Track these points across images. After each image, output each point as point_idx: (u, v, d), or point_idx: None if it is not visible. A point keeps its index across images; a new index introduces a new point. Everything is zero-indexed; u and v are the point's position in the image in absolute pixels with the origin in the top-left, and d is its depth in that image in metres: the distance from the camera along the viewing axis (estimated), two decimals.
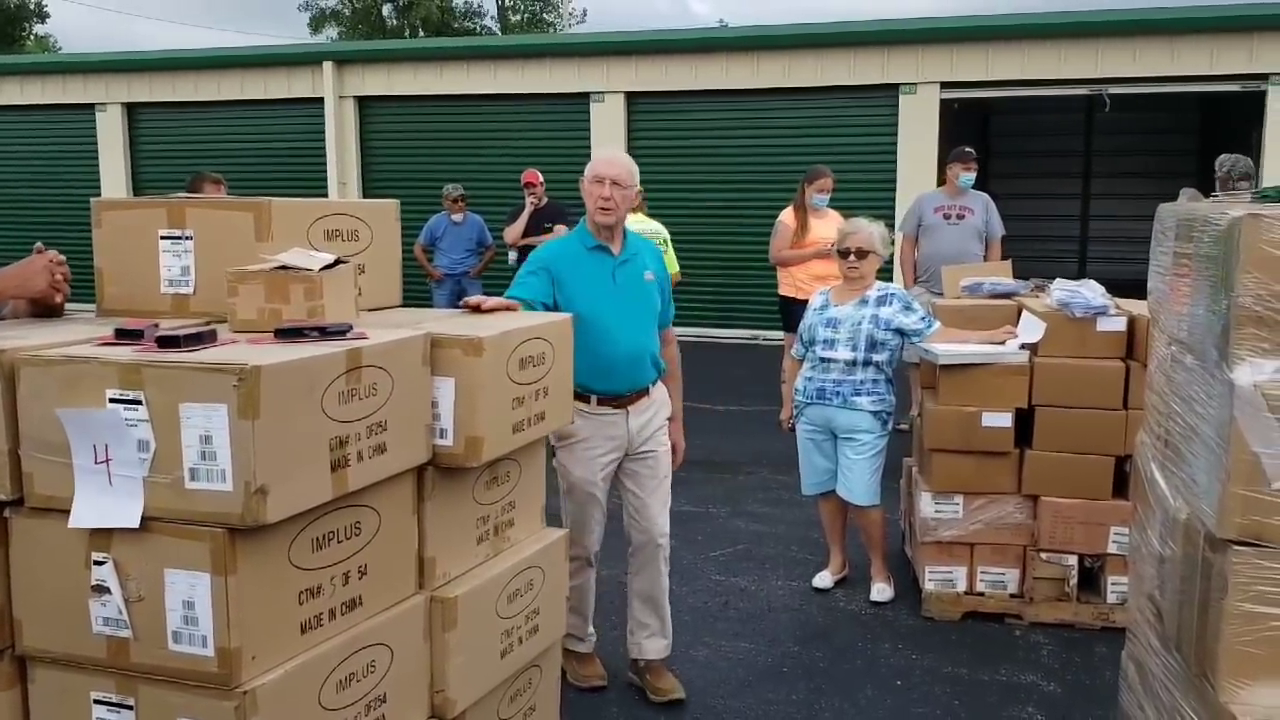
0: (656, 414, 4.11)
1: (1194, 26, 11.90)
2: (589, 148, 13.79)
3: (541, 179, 9.68)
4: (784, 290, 7.79)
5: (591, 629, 4.36)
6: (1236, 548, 1.95)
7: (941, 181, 8.35)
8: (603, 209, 3.91)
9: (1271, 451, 1.91)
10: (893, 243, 10.65)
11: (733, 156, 13.47)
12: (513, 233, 9.71)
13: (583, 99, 13.90)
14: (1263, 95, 11.89)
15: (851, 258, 5.06)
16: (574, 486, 4.10)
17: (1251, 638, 1.95)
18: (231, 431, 2.20)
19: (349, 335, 2.61)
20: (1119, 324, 4.66)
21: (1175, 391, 2.35)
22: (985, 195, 8.16)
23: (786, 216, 7.75)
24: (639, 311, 4.01)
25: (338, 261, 2.86)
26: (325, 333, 2.59)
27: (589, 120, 13.87)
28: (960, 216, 7.99)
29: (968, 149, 8.23)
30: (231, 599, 2.25)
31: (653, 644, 4.20)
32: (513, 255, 9.90)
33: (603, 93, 13.77)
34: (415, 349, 2.72)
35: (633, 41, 13.98)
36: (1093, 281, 4.92)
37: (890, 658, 4.53)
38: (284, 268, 2.76)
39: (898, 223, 12.70)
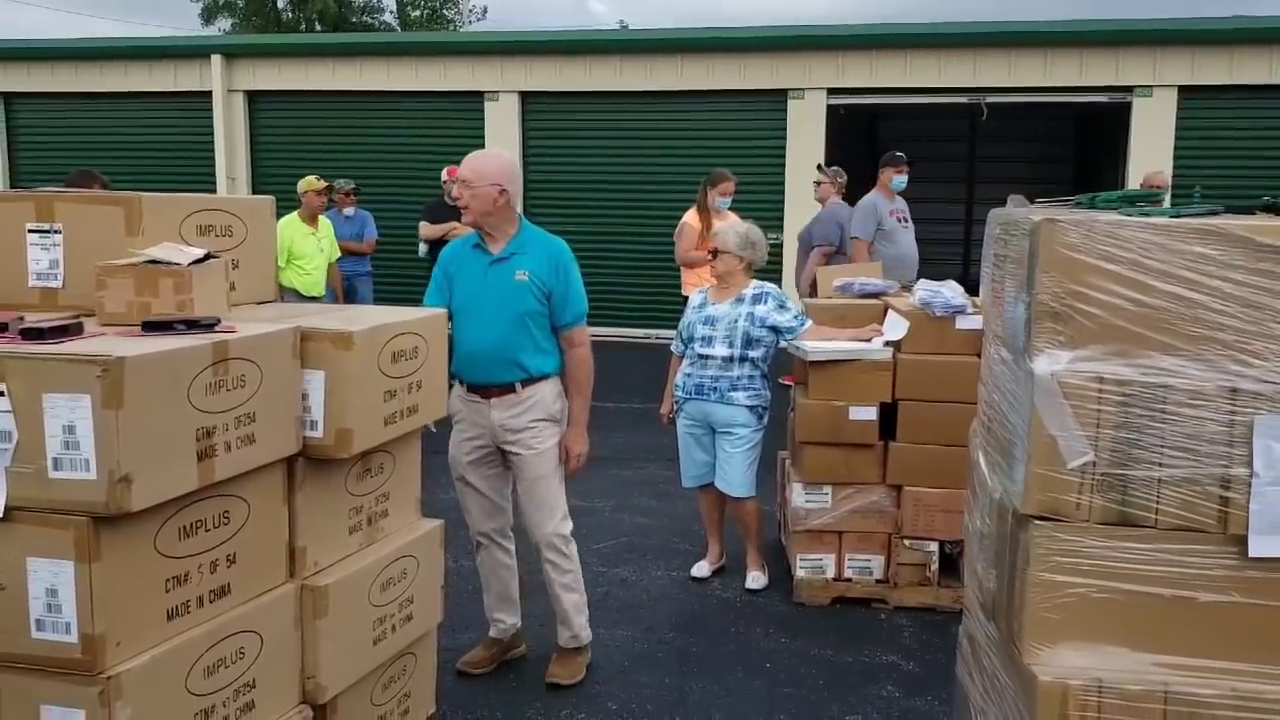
0: (525, 413, 4.13)
1: (1065, 40, 12.44)
2: (484, 146, 13.83)
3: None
4: (688, 290, 7.93)
5: (500, 615, 4.44)
6: (1037, 522, 2.14)
7: (866, 188, 8.52)
8: (461, 208, 4.14)
9: (1066, 434, 2.10)
10: (776, 244, 10.93)
11: (627, 157, 13.63)
12: (426, 228, 9.78)
13: (477, 97, 13.93)
14: (1128, 106, 12.47)
15: (713, 256, 5.29)
16: (450, 464, 4.32)
17: (1050, 605, 2.14)
18: (95, 421, 2.25)
19: (217, 328, 2.68)
20: (976, 322, 4.90)
21: (995, 383, 2.55)
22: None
23: (690, 218, 7.89)
24: (501, 310, 4.07)
25: (208, 256, 2.91)
26: (193, 326, 2.65)
27: (483, 119, 13.89)
28: (905, 220, 8.23)
29: (899, 153, 8.40)
30: (96, 586, 2.31)
31: (558, 632, 4.36)
32: (422, 248, 9.94)
33: (497, 92, 13.82)
34: (284, 342, 2.80)
35: (527, 41, 14.06)
36: (953, 282, 5.17)
37: (761, 642, 4.71)
38: (153, 262, 2.81)
39: (787, 227, 13.10)
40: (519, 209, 4.24)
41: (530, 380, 4.13)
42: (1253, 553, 2.06)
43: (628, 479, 7.17)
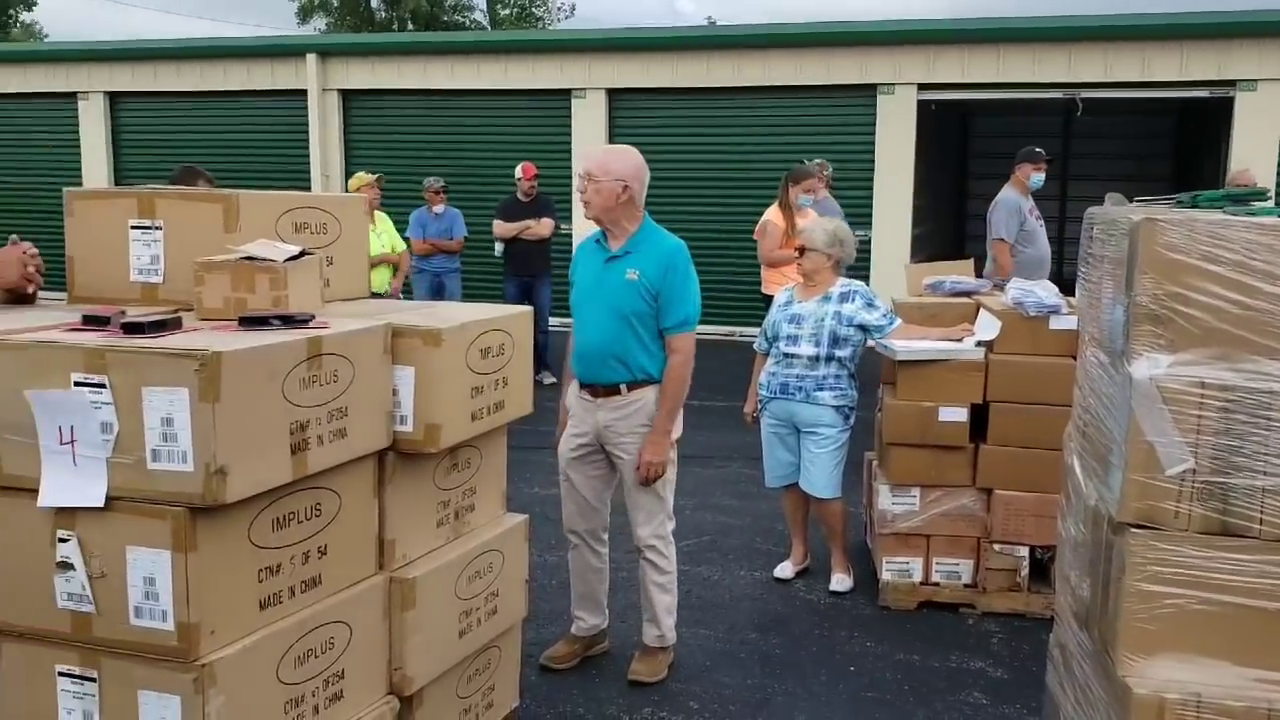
0: (630, 417, 4.11)
1: (1164, 34, 12.07)
2: (570, 144, 13.91)
3: (534, 173, 9.85)
4: (769, 289, 7.87)
5: (582, 614, 4.47)
6: (1134, 530, 2.08)
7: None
8: (582, 200, 4.13)
9: (1165, 441, 2.04)
10: (864, 241, 10.82)
11: (713, 154, 13.60)
12: (499, 226, 9.89)
13: (564, 95, 14.01)
14: (1231, 101, 12.07)
15: (800, 254, 5.23)
16: (558, 458, 4.37)
17: (1146, 615, 2.08)
18: (193, 414, 2.31)
19: (311, 324, 2.73)
20: (1070, 323, 4.79)
21: (1091, 386, 2.48)
22: None
23: (773, 216, 7.81)
24: (610, 309, 4.07)
25: (303, 253, 2.97)
26: (288, 321, 2.71)
27: (570, 117, 13.98)
28: (1040, 217, 8.04)
29: (1038, 149, 8.18)
30: (191, 576, 2.37)
31: (645, 631, 4.36)
32: (498, 247, 10.05)
33: (584, 89, 13.88)
34: (376, 339, 2.84)
35: (615, 39, 14.11)
36: (1047, 281, 5.06)
37: (845, 645, 4.67)
38: (250, 259, 2.87)
39: (874, 223, 12.94)
40: (642, 207, 4.19)
41: (636, 383, 4.11)
42: None
43: (710, 477, 7.15)
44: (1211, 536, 2.05)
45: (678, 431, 4.23)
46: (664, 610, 4.31)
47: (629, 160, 4.13)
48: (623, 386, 4.11)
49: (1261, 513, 2.02)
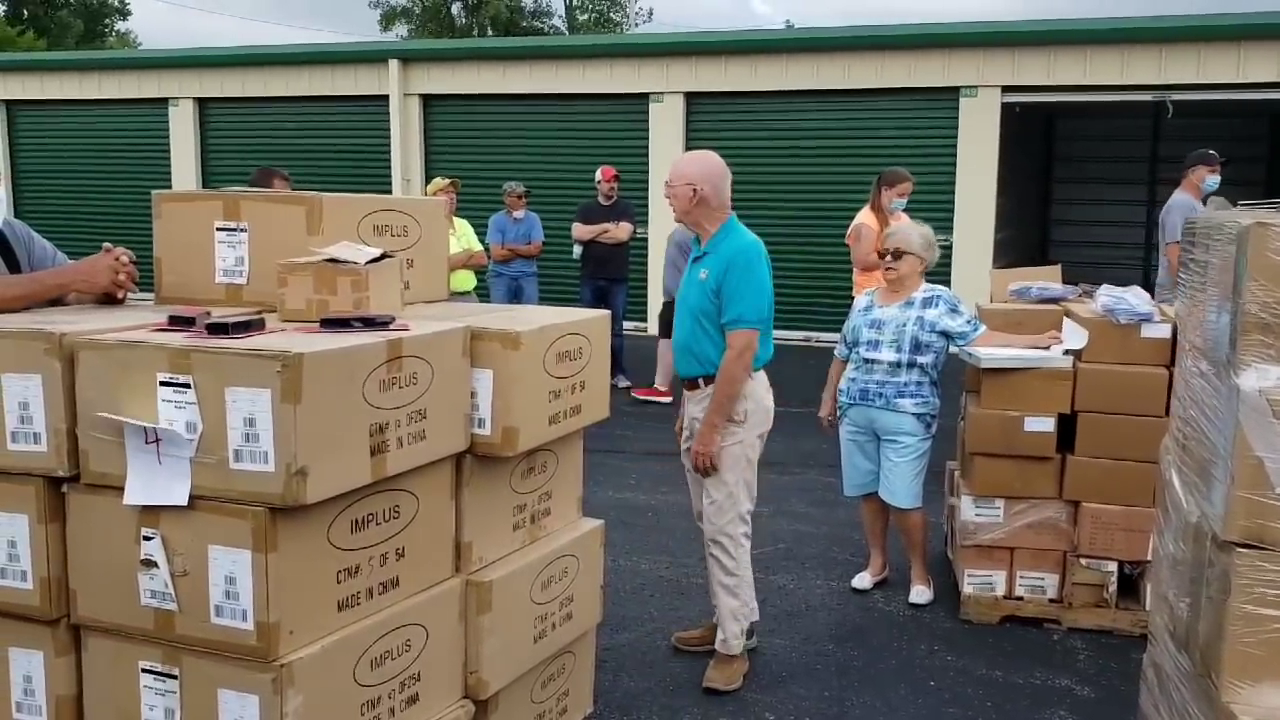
0: (703, 410, 4.23)
1: (1260, 33, 11.69)
2: (648, 148, 13.90)
3: (614, 175, 9.87)
4: (861, 293, 7.74)
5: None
6: (1240, 550, 1.98)
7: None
8: (672, 208, 4.31)
9: (1275, 456, 1.94)
10: (945, 245, 10.65)
11: (792, 158, 13.49)
12: (578, 228, 9.93)
13: (642, 99, 14.01)
14: None
15: (889, 258, 5.10)
16: None
17: (1253, 639, 1.98)
18: (274, 415, 2.32)
19: (392, 326, 2.73)
20: (1163, 331, 4.64)
21: (1192, 397, 2.38)
22: None
23: (867, 219, 7.69)
24: (690, 307, 4.26)
25: (384, 256, 2.98)
26: (369, 323, 2.71)
27: (648, 120, 13.97)
28: None
29: (1212, 151, 8.02)
30: (271, 576, 2.37)
31: (716, 635, 4.34)
32: (576, 250, 10.07)
33: (662, 93, 13.87)
34: (455, 341, 2.83)
35: (692, 42, 14.07)
36: (1138, 288, 4.91)
37: (925, 659, 4.56)
38: (332, 260, 2.88)
39: (956, 228, 12.72)
40: (723, 208, 4.27)
41: (713, 378, 4.21)
42: None
43: (785, 484, 7.07)
44: None
45: (760, 428, 4.27)
46: (729, 615, 4.26)
47: (699, 163, 4.26)
48: (701, 380, 4.26)
49: None
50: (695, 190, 4.17)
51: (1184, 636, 2.30)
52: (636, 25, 38.36)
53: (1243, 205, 2.48)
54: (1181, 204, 7.72)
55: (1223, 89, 12.03)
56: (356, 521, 2.59)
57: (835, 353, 5.37)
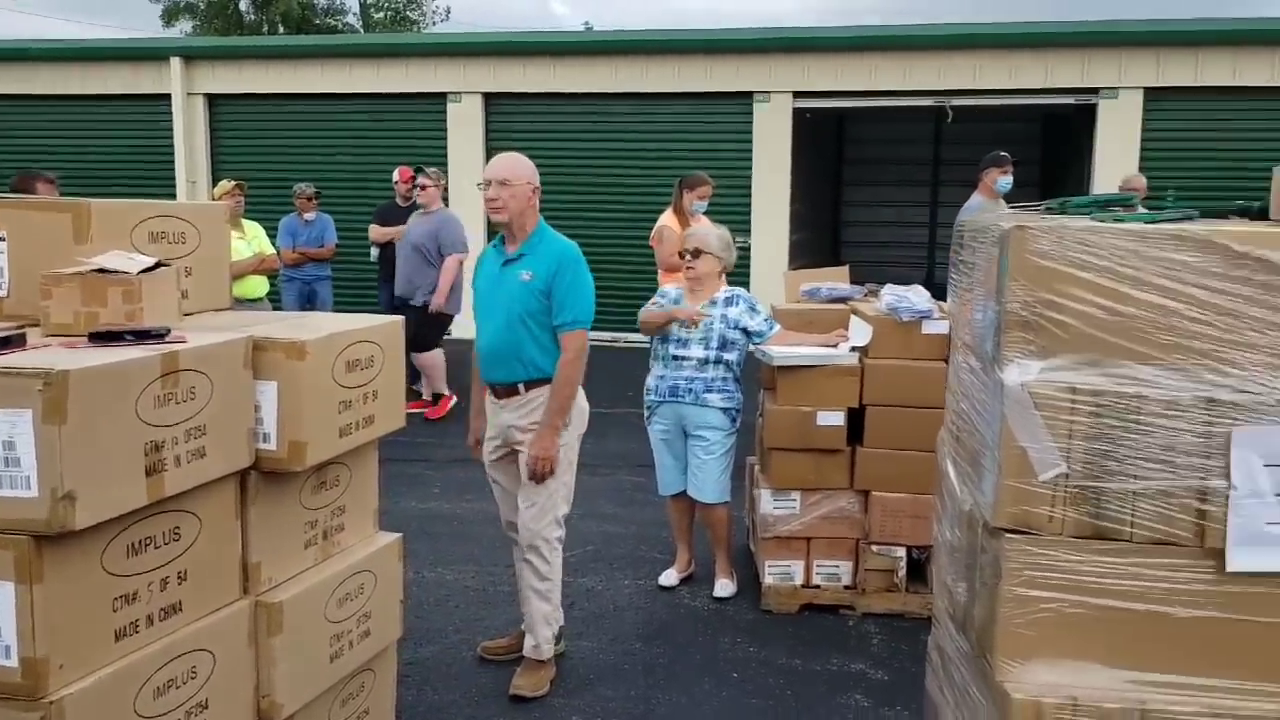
0: (529, 415, 4.18)
1: (1030, 42, 12.47)
2: (445, 148, 13.72)
3: (411, 176, 9.66)
4: None
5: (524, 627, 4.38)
6: (1009, 535, 2.10)
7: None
8: (492, 209, 4.20)
9: (1038, 446, 2.05)
10: (744, 247, 10.84)
11: (590, 160, 13.56)
12: (375, 230, 9.70)
13: (439, 99, 13.81)
14: (1094, 108, 12.53)
15: (688, 257, 5.20)
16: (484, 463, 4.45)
17: (1023, 620, 2.10)
18: (37, 437, 2.17)
19: (168, 339, 2.59)
20: (943, 327, 4.87)
21: (963, 391, 2.50)
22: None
23: (669, 221, 7.76)
24: (507, 310, 4.16)
25: (159, 264, 2.82)
26: (142, 336, 2.57)
27: (445, 120, 13.79)
28: None
29: (1003, 153, 8.23)
30: (37, 608, 2.22)
31: (525, 642, 4.31)
32: (373, 252, 9.84)
33: (459, 93, 13.71)
34: (236, 352, 2.71)
35: (490, 42, 13.96)
36: (919, 287, 5.14)
37: (729, 651, 4.66)
38: (101, 271, 2.72)
39: (753, 230, 13.06)
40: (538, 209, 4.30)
41: (534, 382, 4.18)
42: (1230, 567, 2.02)
43: (595, 486, 7.08)
44: (1085, 540, 2.07)
45: (581, 429, 4.32)
46: (541, 619, 4.24)
47: (528, 163, 4.27)
48: (521, 386, 4.20)
49: (1133, 516, 2.05)
50: (535, 190, 4.20)
51: (962, 619, 2.41)
52: (434, 24, 37.80)
53: (1010, 207, 2.62)
54: (975, 205, 8.11)
55: (997, 94, 12.76)
56: (133, 546, 2.45)
57: (650, 305, 5.33)
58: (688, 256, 5.21)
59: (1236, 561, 2.01)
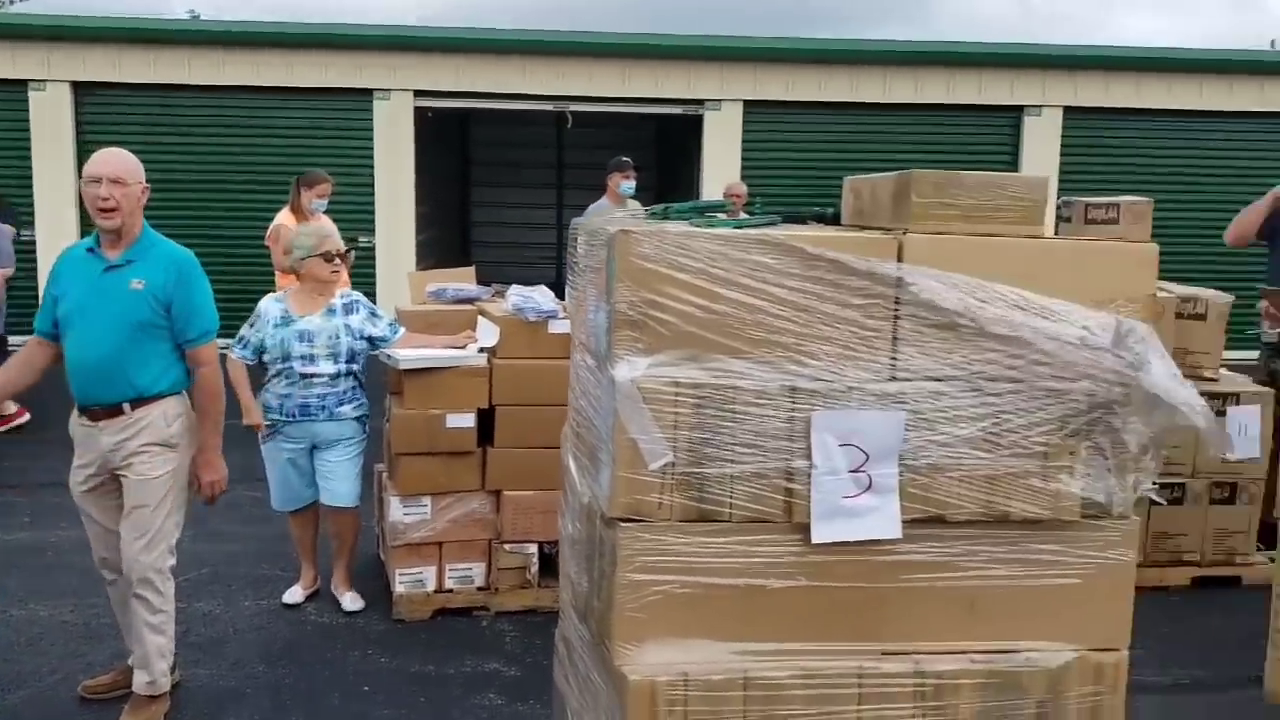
0: (135, 437, 3.82)
1: (641, 53, 13.10)
2: (29, 141, 12.45)
3: None
4: None
5: (134, 645, 4.00)
6: (622, 524, 2.19)
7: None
8: (103, 210, 3.75)
9: (647, 438, 2.16)
10: (368, 247, 10.64)
11: (202, 156, 12.76)
12: None
13: (20, 86, 12.48)
14: (700, 119, 13.35)
15: (336, 260, 4.99)
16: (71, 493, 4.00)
17: (637, 604, 2.19)
18: None
19: None
20: (568, 326, 4.99)
21: (582, 388, 2.59)
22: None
23: (287, 220, 7.40)
24: (112, 322, 3.77)
25: None
26: None
27: (28, 111, 12.49)
28: None
29: (625, 158, 8.25)
30: None
31: (135, 678, 3.96)
32: None
33: (44, 81, 12.45)
34: None
35: (78, 27, 12.74)
36: (544, 287, 5.25)
37: (360, 664, 4.54)
38: None
39: (378, 230, 12.82)
40: None
41: (141, 401, 3.82)
42: (814, 539, 2.21)
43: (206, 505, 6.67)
44: (690, 524, 2.20)
45: (193, 449, 3.98)
46: (156, 653, 3.94)
47: (134, 160, 3.88)
48: (127, 405, 3.81)
49: (731, 498, 2.20)
50: (146, 189, 3.86)
51: (583, 609, 2.49)
52: (12, 3, 34.16)
53: (620, 211, 2.73)
54: (599, 208, 8.41)
55: (611, 102, 13.29)
56: None
57: (235, 354, 5.00)
58: (336, 260, 4.98)
59: (819, 534, 2.21)
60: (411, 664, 4.54)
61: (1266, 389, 5.59)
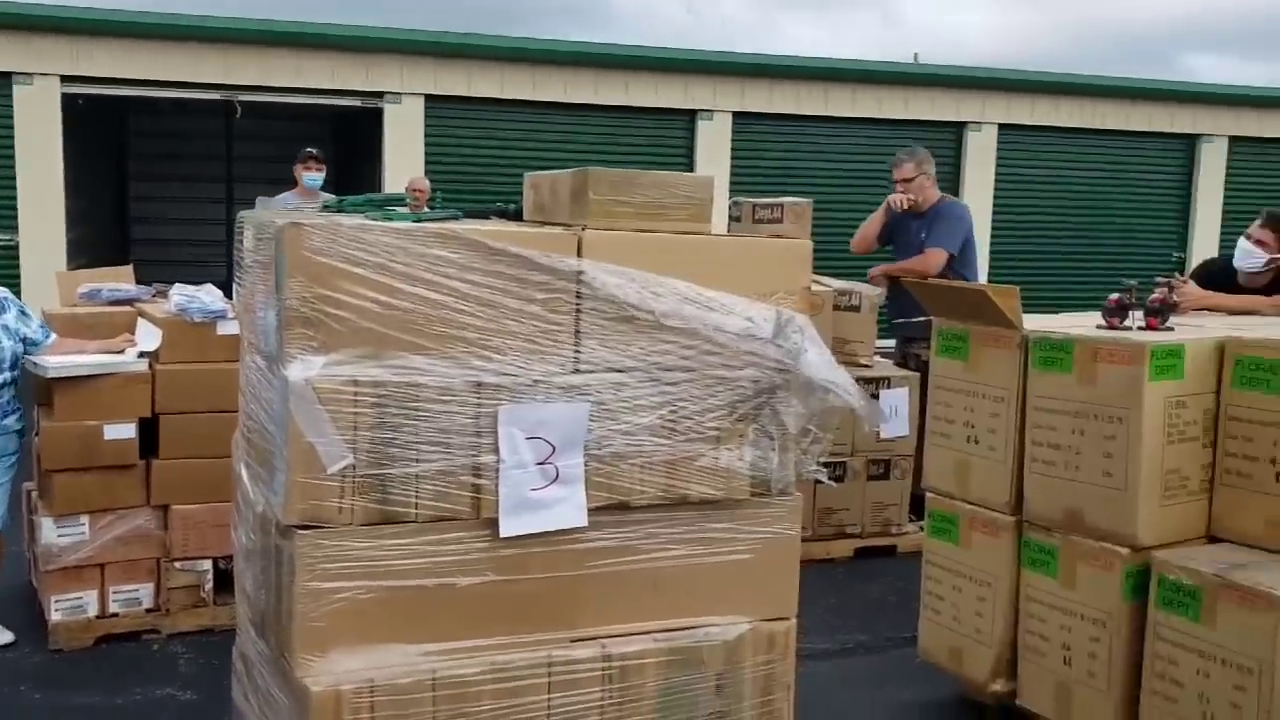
0: None
1: (316, 43, 12.63)
2: None
3: None
4: None
5: None
6: (301, 531, 2.10)
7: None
8: None
9: (324, 440, 2.08)
10: (10, 246, 9.82)
11: None
12: None
13: None
14: (381, 112, 13.05)
15: None
16: None
17: (319, 613, 2.12)
18: None
19: None
20: (238, 327, 4.75)
21: (253, 392, 2.46)
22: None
23: None
24: None
25: None
26: None
27: None
28: None
29: (310, 149, 7.92)
30: None
31: None
32: None
33: None
34: None
35: None
36: (211, 286, 4.96)
37: (11, 702, 4.13)
38: None
39: (21, 226, 11.68)
40: None
41: None
42: (503, 533, 2.22)
43: None
44: (374, 526, 2.15)
45: None
46: None
47: None
48: None
49: (417, 497, 2.17)
50: None
51: (261, 623, 2.38)
52: None
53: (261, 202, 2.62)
54: (282, 200, 8.08)
55: (285, 92, 12.75)
56: None
57: None
58: None
59: (508, 527, 2.22)
60: (73, 697, 4.17)
61: (913, 373, 6.14)
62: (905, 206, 6.39)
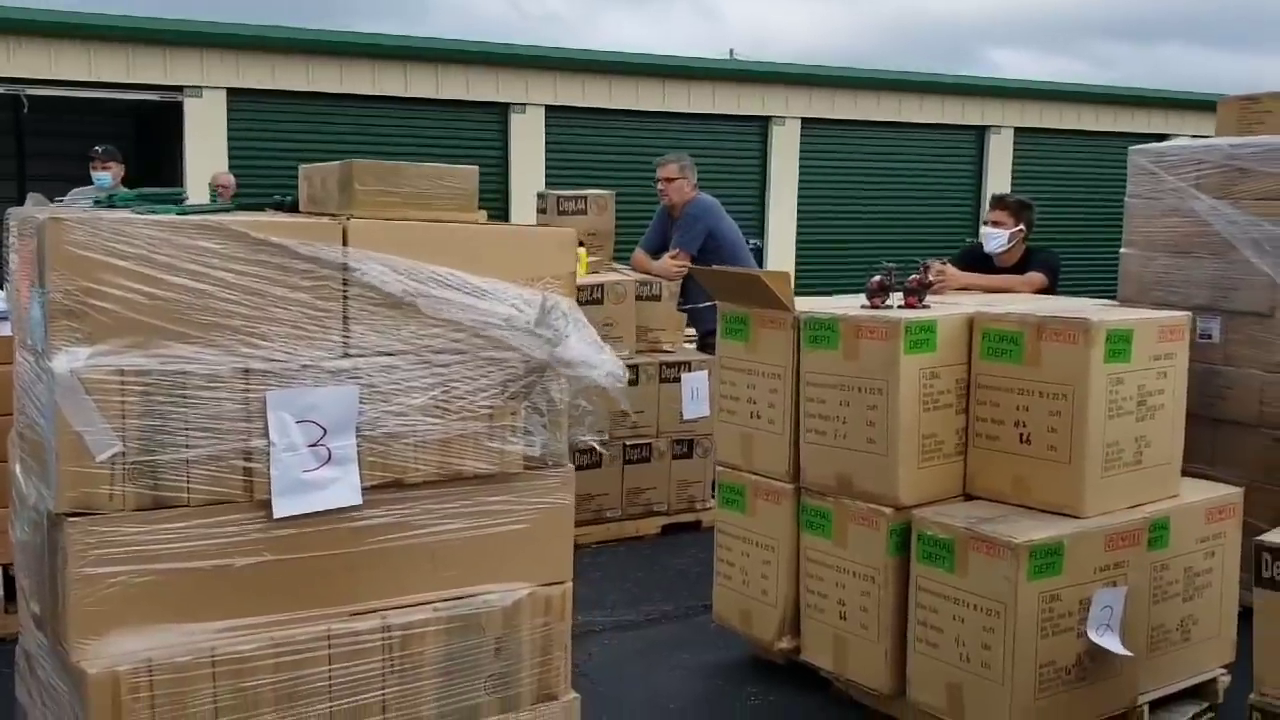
0: None
1: (111, 35, 12.16)
2: None
3: None
4: None
5: None
6: (71, 519, 2.15)
7: None
8: None
9: (92, 429, 2.13)
10: None
11: None
12: None
13: None
14: (180, 106, 12.65)
15: None
16: None
17: (93, 599, 2.17)
18: None
19: None
20: (9, 328, 4.62)
21: (25, 388, 2.49)
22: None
23: None
24: None
25: None
26: None
27: None
28: None
29: (98, 147, 7.94)
30: None
31: None
32: None
33: None
34: None
35: None
36: None
37: None
38: None
39: None
40: None
41: None
42: (276, 514, 2.31)
43: None
44: (146, 512, 2.20)
45: None
46: None
47: None
48: None
49: (188, 482, 2.24)
50: None
51: (40, 615, 2.40)
52: None
53: (59, 200, 2.63)
54: (81, 193, 7.79)
55: (76, 86, 12.23)
56: None
57: None
58: None
59: (280, 508, 2.31)
60: None
61: (711, 357, 6.40)
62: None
